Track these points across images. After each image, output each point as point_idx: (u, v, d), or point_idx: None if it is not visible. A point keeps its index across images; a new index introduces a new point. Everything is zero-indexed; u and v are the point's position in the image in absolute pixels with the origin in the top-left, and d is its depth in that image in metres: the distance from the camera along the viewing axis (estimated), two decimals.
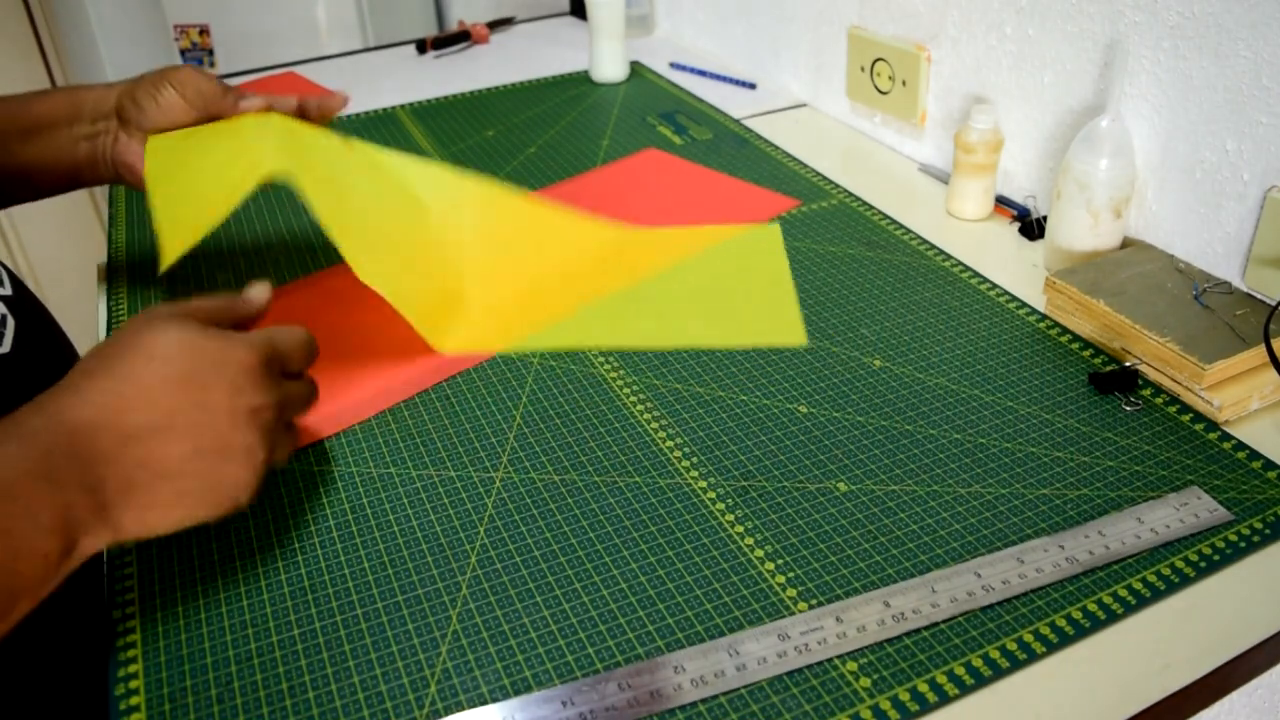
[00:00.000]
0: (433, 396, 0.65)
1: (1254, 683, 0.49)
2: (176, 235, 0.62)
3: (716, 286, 0.72)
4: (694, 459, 0.59)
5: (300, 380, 0.54)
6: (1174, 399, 0.62)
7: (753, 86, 1.16)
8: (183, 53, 1.75)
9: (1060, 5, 0.76)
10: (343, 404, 0.63)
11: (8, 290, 0.62)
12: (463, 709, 0.45)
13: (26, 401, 0.49)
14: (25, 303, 0.63)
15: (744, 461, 0.58)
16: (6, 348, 0.57)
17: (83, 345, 0.66)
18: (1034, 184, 0.84)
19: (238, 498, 0.48)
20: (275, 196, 0.92)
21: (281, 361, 0.52)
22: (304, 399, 0.54)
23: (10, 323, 0.59)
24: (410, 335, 0.70)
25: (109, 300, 0.77)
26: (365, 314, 0.73)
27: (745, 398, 0.64)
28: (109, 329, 0.73)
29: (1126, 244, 0.75)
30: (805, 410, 0.62)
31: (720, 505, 0.55)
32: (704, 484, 0.57)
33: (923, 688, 0.45)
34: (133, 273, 0.80)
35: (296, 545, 0.54)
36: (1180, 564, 0.51)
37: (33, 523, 0.41)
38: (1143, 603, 0.49)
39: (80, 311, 0.70)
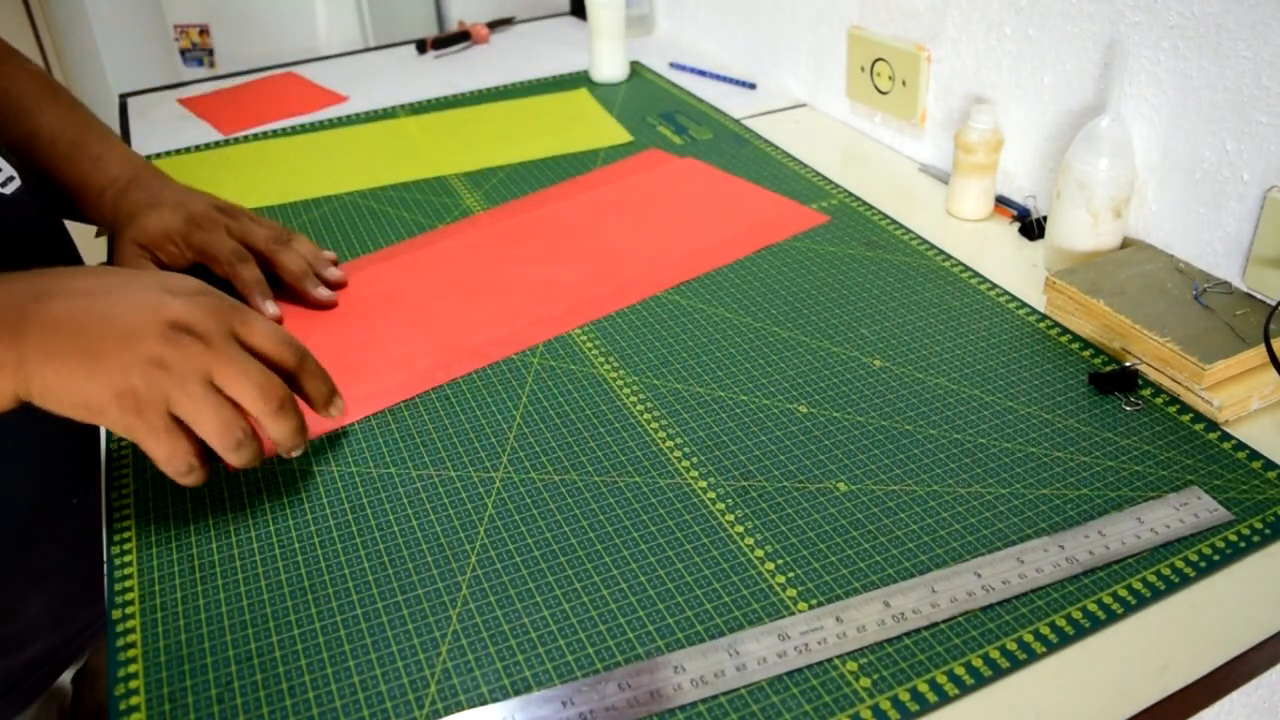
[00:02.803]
0: (433, 396, 0.65)
1: (1254, 683, 0.49)
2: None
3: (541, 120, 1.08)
4: (694, 459, 0.59)
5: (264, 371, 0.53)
6: (1174, 399, 0.62)
7: (753, 86, 1.16)
8: (183, 53, 1.75)
9: (1060, 5, 0.76)
10: (350, 397, 0.63)
11: (13, 172, 0.68)
12: (463, 709, 0.45)
13: (30, 232, 0.63)
14: (33, 177, 0.71)
15: (744, 461, 0.58)
16: (9, 190, 0.64)
17: None
18: (1034, 184, 0.84)
19: (100, 398, 0.48)
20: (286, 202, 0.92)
21: (244, 325, 0.53)
22: (264, 374, 0.52)
23: (17, 180, 0.66)
24: (416, 335, 0.70)
25: None
26: (372, 313, 0.73)
27: (745, 398, 0.64)
28: None
29: (1126, 244, 0.75)
30: (805, 410, 0.62)
31: (720, 505, 0.55)
32: (704, 484, 0.57)
33: (923, 688, 0.45)
34: None
35: (296, 545, 0.54)
36: (1180, 564, 0.51)
37: None
38: (1143, 603, 0.49)
39: None
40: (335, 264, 0.78)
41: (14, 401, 0.47)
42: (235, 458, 0.51)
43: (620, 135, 1.02)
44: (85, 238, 0.77)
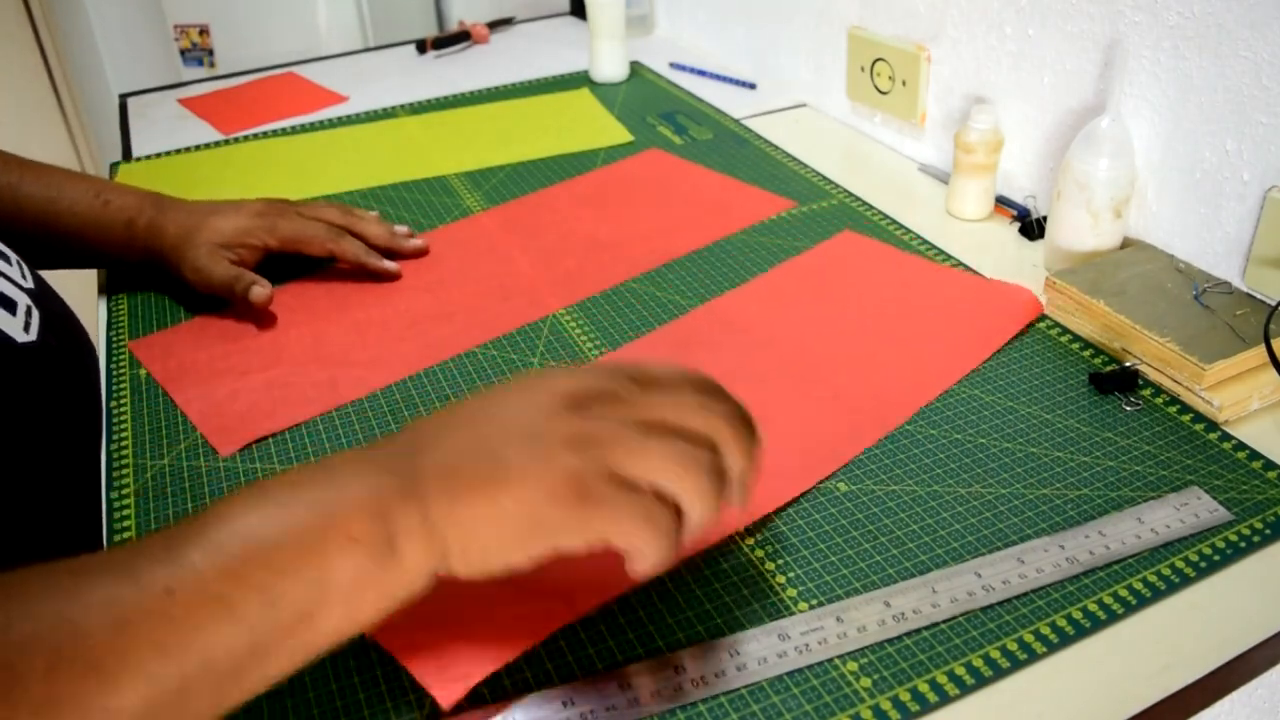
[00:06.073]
0: (432, 396, 0.65)
1: (1254, 683, 0.49)
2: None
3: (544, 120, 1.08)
4: None
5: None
6: (1174, 399, 0.62)
7: (753, 86, 1.16)
8: (183, 53, 1.75)
9: (1060, 5, 0.76)
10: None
11: (30, 284, 0.64)
12: (463, 709, 0.45)
13: (50, 389, 0.55)
14: (46, 296, 0.65)
15: None
16: (32, 335, 0.59)
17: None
18: (1034, 184, 0.84)
19: (553, 514, 0.39)
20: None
21: (638, 371, 0.44)
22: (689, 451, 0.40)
23: (35, 314, 0.61)
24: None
25: (109, 305, 0.77)
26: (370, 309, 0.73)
27: None
28: (109, 334, 0.74)
29: (1126, 244, 0.75)
30: None
31: None
32: None
33: (923, 688, 0.45)
34: (132, 279, 0.80)
35: None
36: (1180, 564, 0.51)
37: (339, 494, 0.38)
38: (1143, 603, 0.49)
39: (81, 317, 0.71)
40: (411, 236, 0.81)
41: (431, 578, 0.39)
42: (714, 497, 0.40)
43: (621, 135, 1.02)
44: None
